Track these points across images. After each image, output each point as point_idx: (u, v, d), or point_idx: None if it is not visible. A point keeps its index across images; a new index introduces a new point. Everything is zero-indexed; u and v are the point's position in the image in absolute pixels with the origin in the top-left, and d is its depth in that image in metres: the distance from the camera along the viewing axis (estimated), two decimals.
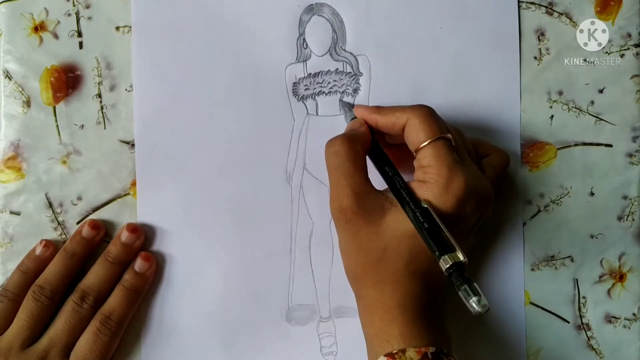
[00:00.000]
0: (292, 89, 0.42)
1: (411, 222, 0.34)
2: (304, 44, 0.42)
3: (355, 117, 0.39)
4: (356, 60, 0.42)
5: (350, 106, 0.41)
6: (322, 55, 0.42)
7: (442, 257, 0.32)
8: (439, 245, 0.32)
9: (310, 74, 0.42)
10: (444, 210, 0.34)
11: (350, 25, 0.42)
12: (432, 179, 0.34)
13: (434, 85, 0.42)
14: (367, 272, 0.36)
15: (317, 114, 0.42)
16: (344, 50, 0.42)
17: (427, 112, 0.36)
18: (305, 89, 0.42)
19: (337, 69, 0.42)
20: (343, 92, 0.42)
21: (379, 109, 0.38)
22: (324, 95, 0.42)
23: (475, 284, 0.31)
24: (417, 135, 0.35)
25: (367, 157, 0.37)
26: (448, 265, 0.32)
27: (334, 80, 0.42)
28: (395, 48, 0.42)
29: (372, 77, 0.42)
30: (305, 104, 0.42)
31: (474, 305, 0.30)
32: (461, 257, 0.32)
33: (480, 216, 0.37)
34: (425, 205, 0.33)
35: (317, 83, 0.42)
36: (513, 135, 0.43)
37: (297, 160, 0.42)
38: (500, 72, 0.43)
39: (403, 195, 0.34)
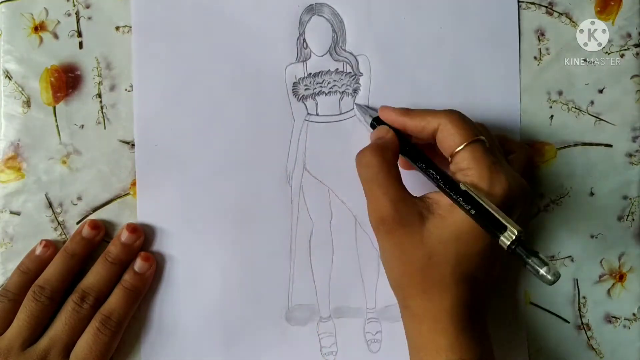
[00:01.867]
0: (292, 89, 0.42)
1: (457, 219, 0.33)
2: (304, 44, 0.42)
3: (374, 120, 0.39)
4: (356, 60, 0.42)
5: (368, 108, 0.41)
6: (322, 55, 0.42)
7: (502, 235, 0.31)
8: (494, 225, 0.32)
9: (310, 74, 0.42)
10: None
11: (350, 25, 0.42)
12: (473, 182, 0.34)
13: (434, 85, 0.42)
14: (413, 281, 0.35)
15: (317, 114, 0.42)
16: (344, 50, 0.42)
17: (460, 117, 0.35)
18: (305, 89, 0.42)
19: (337, 69, 0.42)
20: (343, 92, 0.42)
21: (407, 111, 0.37)
22: (324, 95, 0.42)
23: (540, 254, 0.31)
24: (452, 139, 0.35)
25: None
26: (510, 242, 0.31)
27: (334, 80, 0.42)
28: (395, 48, 0.42)
29: (372, 77, 0.42)
30: (305, 104, 0.42)
31: (547, 273, 0.30)
32: (516, 231, 0.31)
33: (522, 215, 0.36)
34: (471, 190, 0.33)
35: (317, 83, 0.42)
36: (513, 135, 0.43)
37: (297, 160, 0.42)
38: (500, 72, 0.43)
39: (451, 184, 0.34)
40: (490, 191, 0.33)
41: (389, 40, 0.42)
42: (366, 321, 0.42)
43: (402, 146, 0.37)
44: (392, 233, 0.35)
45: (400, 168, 0.37)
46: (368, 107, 0.42)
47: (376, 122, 0.39)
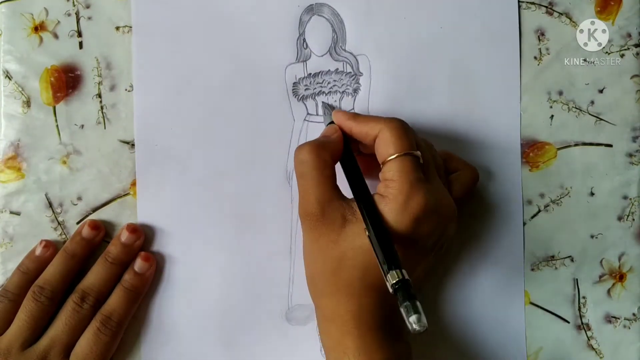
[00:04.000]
0: (292, 89, 0.42)
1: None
2: (304, 44, 0.42)
3: (332, 122, 0.39)
4: (356, 60, 0.42)
5: (331, 109, 0.41)
6: (322, 55, 0.42)
7: (389, 272, 0.31)
8: (388, 260, 0.32)
9: (310, 74, 0.42)
10: (400, 228, 0.34)
11: (350, 25, 0.42)
12: (392, 194, 0.34)
13: (434, 85, 0.42)
14: (325, 281, 0.36)
15: (317, 114, 0.42)
16: (344, 50, 0.42)
17: (400, 126, 0.36)
18: (305, 89, 0.42)
19: (337, 69, 0.42)
20: (343, 92, 0.42)
21: (355, 116, 0.38)
22: (324, 95, 0.42)
23: (418, 302, 0.30)
24: (386, 147, 0.35)
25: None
26: (395, 281, 0.31)
27: (334, 80, 0.42)
28: (395, 48, 0.42)
29: (372, 77, 0.42)
30: (305, 104, 0.42)
31: (413, 323, 0.30)
32: (406, 275, 0.31)
33: (441, 235, 0.36)
34: (374, 228, 0.33)
35: (317, 83, 0.42)
36: (513, 135, 0.43)
37: None
38: (500, 72, 0.43)
39: (361, 208, 0.34)
40: (404, 206, 0.34)
41: (389, 40, 0.42)
42: None
43: (343, 156, 0.37)
44: (313, 230, 0.35)
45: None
46: (332, 107, 0.42)
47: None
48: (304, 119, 0.42)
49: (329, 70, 0.42)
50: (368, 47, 0.42)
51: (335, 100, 0.42)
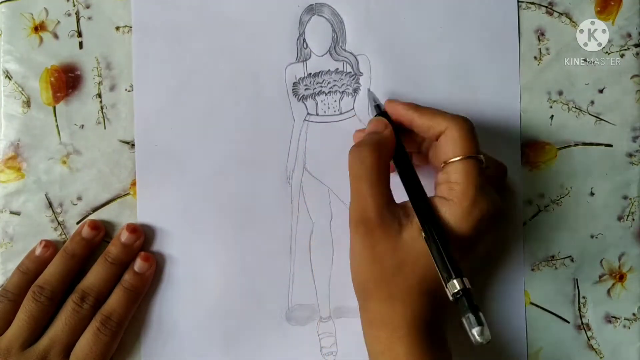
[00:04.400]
0: (292, 89, 0.42)
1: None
2: (304, 44, 0.42)
3: (379, 113, 0.38)
4: (356, 60, 0.42)
5: (377, 99, 0.40)
6: (322, 55, 0.42)
7: (450, 281, 0.31)
8: (449, 268, 0.31)
9: (310, 73, 0.42)
10: (462, 233, 0.33)
11: (350, 25, 0.42)
12: (456, 197, 0.33)
13: (434, 85, 0.42)
14: (379, 286, 0.34)
15: (317, 113, 0.42)
16: (344, 50, 0.42)
17: (469, 127, 0.34)
18: (305, 89, 0.42)
19: (337, 68, 0.42)
20: (343, 92, 0.42)
21: (417, 107, 0.36)
22: (324, 95, 0.42)
23: (481, 314, 0.30)
24: (452, 147, 0.34)
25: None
26: (456, 290, 0.31)
27: (334, 80, 0.42)
28: (395, 48, 0.42)
29: (372, 77, 0.42)
30: (305, 104, 0.42)
31: (476, 335, 0.29)
32: (468, 284, 0.31)
33: (493, 241, 0.37)
34: (437, 234, 0.32)
35: (317, 83, 0.42)
36: (513, 135, 0.43)
37: (297, 160, 0.42)
38: (500, 72, 0.43)
39: (420, 212, 0.33)
40: (469, 211, 0.33)
41: (389, 40, 0.42)
42: None
43: (396, 153, 0.36)
44: (369, 235, 0.34)
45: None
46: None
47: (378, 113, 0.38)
48: (304, 119, 0.42)
49: (329, 70, 0.42)
50: (368, 47, 0.42)
51: (335, 100, 0.42)
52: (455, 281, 0.31)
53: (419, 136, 0.38)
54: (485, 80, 0.42)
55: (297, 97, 0.42)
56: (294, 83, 0.42)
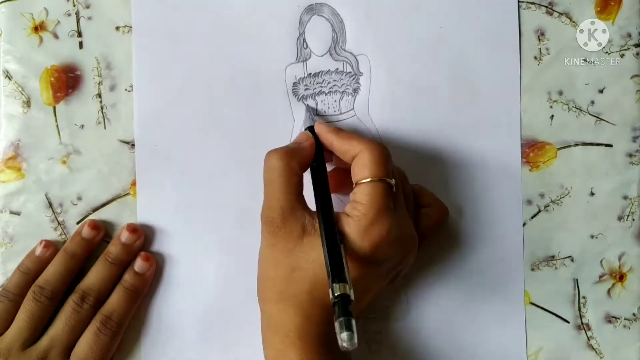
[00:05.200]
0: (292, 89, 0.42)
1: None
2: (304, 44, 0.42)
3: (309, 127, 0.39)
4: (356, 60, 0.42)
5: (314, 113, 0.41)
6: (322, 55, 0.42)
7: (334, 284, 0.31)
8: (335, 272, 0.32)
9: (310, 73, 0.42)
10: (359, 250, 0.34)
11: (350, 25, 0.42)
12: (356, 216, 0.34)
13: (434, 85, 0.42)
14: (274, 288, 0.36)
15: (317, 113, 0.42)
16: (344, 50, 0.42)
17: (380, 152, 0.35)
18: (305, 89, 0.42)
19: (337, 68, 0.42)
20: (343, 92, 0.42)
21: (337, 131, 0.37)
22: (324, 95, 0.42)
23: (353, 321, 0.30)
24: (362, 170, 0.35)
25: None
26: (336, 294, 0.31)
27: (334, 80, 0.42)
28: (395, 48, 0.42)
29: (372, 77, 0.42)
30: (305, 104, 0.42)
31: (343, 340, 0.29)
32: (351, 293, 0.31)
33: (399, 263, 0.37)
34: (332, 236, 0.33)
35: (317, 83, 0.42)
36: (513, 135, 0.43)
37: None
38: (500, 72, 0.43)
39: (321, 219, 0.34)
40: (366, 231, 0.34)
41: (389, 40, 0.42)
42: (366, 321, 0.42)
43: (315, 165, 0.37)
44: (272, 235, 0.35)
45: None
46: (317, 113, 0.42)
47: (309, 130, 0.39)
48: (304, 119, 0.42)
49: (329, 70, 0.42)
50: (368, 47, 0.42)
51: (336, 100, 0.42)
52: (335, 286, 0.31)
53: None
54: (485, 80, 0.42)
55: (297, 97, 0.42)
56: (294, 83, 0.42)
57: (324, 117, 0.42)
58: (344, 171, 0.38)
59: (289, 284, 0.35)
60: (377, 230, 0.34)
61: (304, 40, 0.42)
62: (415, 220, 0.38)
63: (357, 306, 0.35)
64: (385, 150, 0.36)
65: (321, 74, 0.42)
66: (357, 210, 0.34)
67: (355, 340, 0.29)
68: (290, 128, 0.42)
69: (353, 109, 0.42)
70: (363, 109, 0.42)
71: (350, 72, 0.42)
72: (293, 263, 0.35)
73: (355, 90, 0.42)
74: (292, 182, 0.36)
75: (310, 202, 0.36)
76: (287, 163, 0.36)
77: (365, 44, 0.42)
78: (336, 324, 0.30)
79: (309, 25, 0.42)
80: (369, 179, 0.35)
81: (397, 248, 0.35)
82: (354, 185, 0.36)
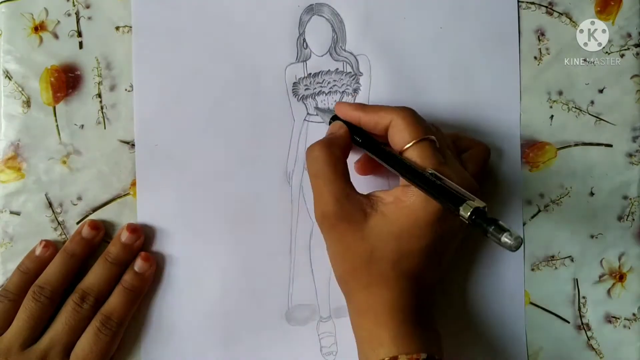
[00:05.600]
0: (292, 89, 0.42)
1: (399, 216, 0.34)
2: (304, 44, 0.42)
3: (333, 118, 0.39)
4: (356, 60, 0.42)
5: (327, 110, 0.41)
6: (322, 55, 0.42)
7: (460, 206, 0.31)
8: (452, 199, 0.31)
9: (310, 74, 0.42)
10: (432, 211, 0.34)
11: (350, 25, 0.42)
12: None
13: (434, 85, 0.42)
14: (356, 276, 0.36)
15: (317, 114, 0.42)
16: (344, 50, 0.42)
17: (411, 114, 0.36)
18: (305, 89, 0.42)
19: (337, 68, 0.42)
20: (343, 92, 0.42)
21: (362, 106, 0.38)
22: (324, 95, 0.42)
23: (500, 222, 0.29)
24: (401, 136, 0.35)
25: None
26: (469, 212, 0.30)
27: (334, 80, 0.42)
28: (395, 48, 0.42)
29: (372, 76, 0.42)
30: (305, 104, 0.42)
31: (508, 241, 0.29)
32: (478, 202, 0.31)
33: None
34: (431, 171, 0.33)
35: (317, 83, 0.42)
36: (513, 135, 0.43)
37: (297, 160, 0.42)
38: (500, 72, 0.43)
39: (406, 165, 0.34)
40: None
41: (389, 40, 0.42)
42: None
43: (359, 137, 0.37)
44: (334, 229, 0.35)
45: (357, 173, 0.38)
46: (329, 109, 0.42)
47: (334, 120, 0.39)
48: (304, 119, 0.42)
49: (329, 70, 0.42)
50: (368, 47, 0.42)
51: (335, 101, 0.42)
52: (463, 207, 0.31)
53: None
54: (485, 80, 0.43)
55: (297, 97, 0.42)
56: (294, 83, 0.42)
57: (322, 118, 0.42)
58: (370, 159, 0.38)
59: (370, 267, 0.35)
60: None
61: (304, 40, 0.42)
62: (462, 166, 0.38)
63: (434, 273, 0.36)
64: (414, 111, 0.36)
65: (321, 74, 0.42)
66: None
67: (518, 234, 0.29)
68: (290, 128, 0.42)
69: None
70: None
71: (350, 72, 0.42)
72: (368, 247, 0.35)
73: (355, 91, 0.42)
74: (339, 169, 0.36)
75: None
76: (329, 151, 0.36)
77: (365, 44, 0.42)
78: (490, 236, 0.29)
79: (309, 25, 0.42)
80: (411, 142, 0.35)
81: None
82: (399, 154, 0.35)
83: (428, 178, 0.33)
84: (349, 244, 0.35)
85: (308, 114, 0.42)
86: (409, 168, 0.34)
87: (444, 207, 0.32)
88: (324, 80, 0.42)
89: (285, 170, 0.42)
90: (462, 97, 0.42)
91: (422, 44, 0.42)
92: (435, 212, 0.34)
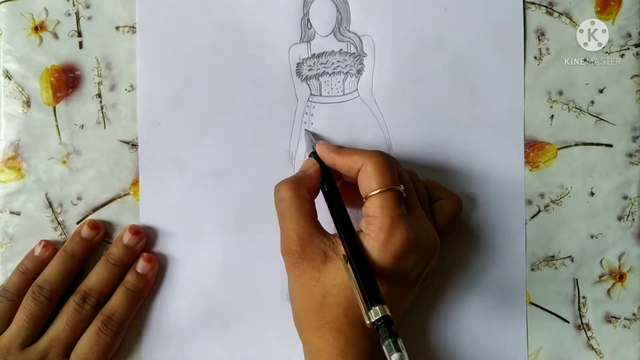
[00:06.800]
0: (296, 70, 0.42)
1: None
2: (308, 24, 0.42)
3: (313, 154, 0.39)
4: (360, 40, 0.42)
5: (315, 139, 0.41)
6: (326, 36, 0.42)
7: (371, 309, 0.31)
8: (368, 297, 0.32)
9: (314, 54, 0.42)
10: (382, 264, 0.34)
11: (354, 5, 0.42)
12: (373, 231, 0.34)
13: (437, 64, 0.42)
14: (309, 317, 0.36)
15: (320, 94, 0.42)
16: (348, 30, 0.42)
17: (382, 160, 0.35)
18: (309, 70, 0.42)
19: (341, 49, 0.42)
20: (346, 72, 0.42)
21: (338, 149, 0.37)
22: (328, 75, 0.42)
23: (399, 340, 0.30)
24: (368, 183, 0.35)
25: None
26: (377, 318, 0.31)
27: (338, 61, 0.42)
28: (399, 29, 0.42)
29: (376, 57, 0.42)
30: (308, 85, 0.42)
31: None
32: (388, 312, 0.31)
33: (424, 268, 0.36)
34: (354, 262, 0.33)
35: (321, 64, 0.42)
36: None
37: (300, 140, 0.42)
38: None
39: (346, 245, 0.34)
40: (386, 243, 0.34)
41: (394, 21, 0.42)
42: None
43: (326, 182, 0.37)
44: (296, 266, 0.35)
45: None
46: (316, 136, 0.42)
47: (313, 155, 0.39)
48: (307, 100, 0.42)
49: (333, 50, 0.42)
50: (372, 27, 0.42)
51: (339, 81, 0.42)
52: (372, 311, 0.31)
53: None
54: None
55: (300, 77, 0.42)
56: (298, 63, 0.42)
57: (327, 98, 0.42)
58: (354, 186, 0.37)
59: (323, 310, 0.35)
60: (396, 240, 0.34)
61: (308, 20, 0.42)
62: (430, 216, 0.38)
63: (400, 308, 0.35)
64: (388, 157, 0.36)
65: (325, 54, 0.42)
66: (373, 225, 0.34)
67: (407, 358, 0.30)
68: (293, 110, 0.42)
69: (357, 90, 0.42)
70: (367, 90, 0.42)
71: (354, 52, 0.42)
72: (322, 290, 0.35)
73: (359, 71, 0.42)
74: (305, 209, 0.36)
75: (328, 226, 0.36)
76: (296, 192, 0.36)
77: (369, 24, 0.42)
78: (384, 348, 0.30)
79: (313, 5, 0.42)
80: (377, 191, 0.34)
81: (420, 251, 0.35)
82: (364, 200, 0.35)
83: (358, 256, 0.33)
84: (305, 283, 0.35)
85: (311, 94, 0.42)
86: (349, 237, 0.34)
87: (356, 297, 0.32)
88: (327, 60, 0.42)
89: (288, 151, 0.42)
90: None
91: (426, 26, 0.42)
92: (389, 263, 0.34)
